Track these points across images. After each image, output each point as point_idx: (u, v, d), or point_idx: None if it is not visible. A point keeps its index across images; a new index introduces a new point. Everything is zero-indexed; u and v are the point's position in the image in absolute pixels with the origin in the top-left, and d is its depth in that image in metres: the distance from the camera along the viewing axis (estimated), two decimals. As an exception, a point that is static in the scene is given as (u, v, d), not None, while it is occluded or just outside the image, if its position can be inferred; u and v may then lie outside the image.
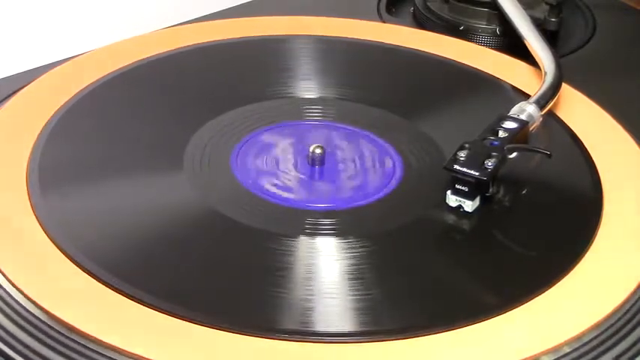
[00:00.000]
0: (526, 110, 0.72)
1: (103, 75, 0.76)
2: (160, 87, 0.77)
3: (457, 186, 0.65)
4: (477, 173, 0.65)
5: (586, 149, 0.72)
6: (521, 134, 0.70)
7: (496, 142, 0.67)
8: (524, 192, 0.69)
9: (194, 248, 0.62)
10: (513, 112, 0.71)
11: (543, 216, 0.67)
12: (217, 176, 0.68)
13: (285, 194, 0.67)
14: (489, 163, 0.65)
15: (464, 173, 0.65)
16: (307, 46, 0.83)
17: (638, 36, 0.91)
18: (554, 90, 0.75)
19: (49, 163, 0.67)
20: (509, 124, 0.70)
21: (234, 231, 0.64)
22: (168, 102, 0.75)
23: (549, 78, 0.76)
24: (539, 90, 0.75)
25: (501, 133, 0.69)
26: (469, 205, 0.65)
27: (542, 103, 0.73)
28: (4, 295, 0.58)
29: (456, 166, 0.65)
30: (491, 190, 0.66)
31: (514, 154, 0.68)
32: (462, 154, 0.66)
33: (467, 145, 0.67)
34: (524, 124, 0.70)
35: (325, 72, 0.80)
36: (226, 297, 0.59)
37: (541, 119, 0.72)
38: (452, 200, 0.66)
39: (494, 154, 0.66)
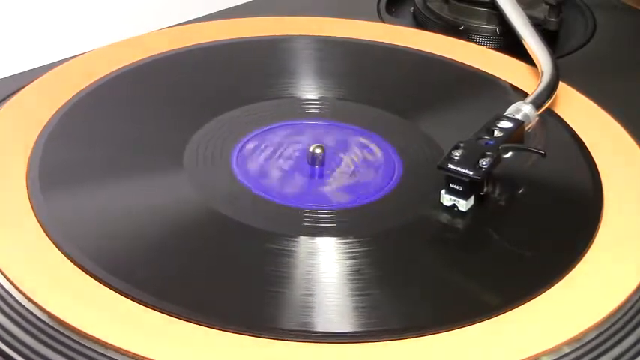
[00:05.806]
0: (522, 110, 0.71)
1: (103, 75, 0.76)
2: (160, 87, 0.77)
3: (451, 185, 0.65)
4: (470, 173, 0.65)
5: (586, 149, 0.72)
6: (517, 134, 0.70)
7: (491, 142, 0.67)
8: (524, 192, 0.69)
9: (194, 248, 0.62)
10: (509, 111, 0.71)
11: (543, 216, 0.67)
12: (217, 176, 0.68)
13: (285, 194, 0.67)
14: (484, 163, 0.65)
15: (458, 172, 0.65)
16: (307, 46, 0.83)
17: (638, 36, 0.91)
18: (550, 90, 0.75)
19: (48, 163, 0.67)
20: (505, 124, 0.69)
21: (234, 231, 0.64)
22: (168, 102, 0.75)
23: (546, 78, 0.76)
24: (535, 90, 0.75)
25: (496, 133, 0.68)
26: (463, 205, 0.65)
27: (538, 102, 0.73)
28: (4, 295, 0.58)
29: (450, 166, 0.65)
30: (485, 189, 0.66)
31: (509, 154, 0.68)
32: (457, 154, 0.66)
33: (461, 145, 0.66)
34: (519, 124, 0.70)
35: (325, 72, 0.80)
36: (226, 297, 0.59)
37: (537, 119, 0.72)
38: (446, 200, 0.66)
39: (488, 153, 0.66)
